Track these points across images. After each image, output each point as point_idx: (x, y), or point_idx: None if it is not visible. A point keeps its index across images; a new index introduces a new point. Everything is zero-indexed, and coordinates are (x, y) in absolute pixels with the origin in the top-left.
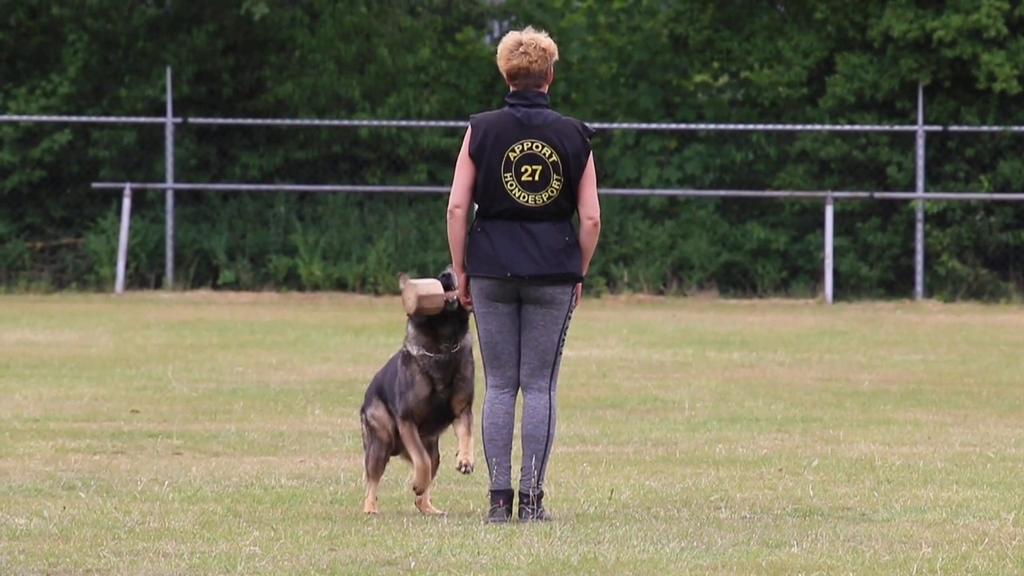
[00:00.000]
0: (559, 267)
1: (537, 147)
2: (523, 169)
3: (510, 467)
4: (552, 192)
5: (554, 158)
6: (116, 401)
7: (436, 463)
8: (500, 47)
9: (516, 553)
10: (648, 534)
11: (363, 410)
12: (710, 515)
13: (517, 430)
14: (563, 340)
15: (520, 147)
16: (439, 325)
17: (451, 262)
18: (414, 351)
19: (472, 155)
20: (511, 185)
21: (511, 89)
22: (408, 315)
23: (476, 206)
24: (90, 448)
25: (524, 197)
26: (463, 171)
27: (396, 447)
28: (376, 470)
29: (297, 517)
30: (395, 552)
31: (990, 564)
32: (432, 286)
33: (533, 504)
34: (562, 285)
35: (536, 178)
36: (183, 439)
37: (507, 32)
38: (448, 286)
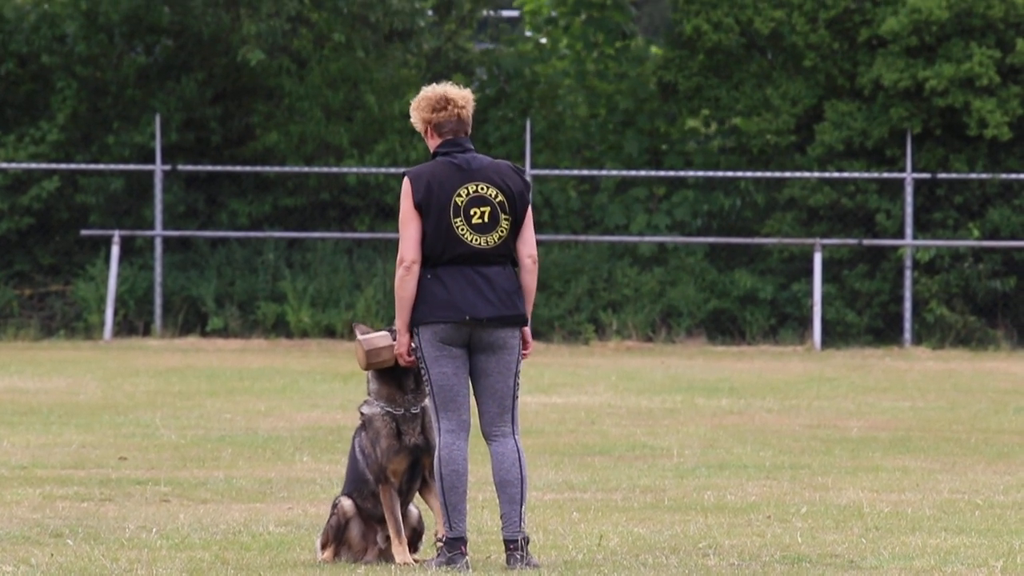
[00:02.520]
0: (514, 309)
1: (483, 189)
2: (472, 212)
3: (467, 513)
4: (502, 232)
5: (500, 198)
6: (104, 448)
7: (417, 521)
8: (419, 101)
9: None
10: None
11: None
12: (699, 562)
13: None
14: (518, 384)
15: (466, 191)
16: (402, 376)
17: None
18: (376, 410)
19: (418, 207)
20: (462, 229)
21: (433, 140)
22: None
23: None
24: (78, 495)
25: (476, 240)
26: (411, 225)
27: (360, 549)
28: (328, 536)
29: (285, 564)
30: None
31: None
32: (381, 339)
33: (521, 550)
34: (513, 328)
35: (486, 219)
36: (171, 486)
37: (488, 79)
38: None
